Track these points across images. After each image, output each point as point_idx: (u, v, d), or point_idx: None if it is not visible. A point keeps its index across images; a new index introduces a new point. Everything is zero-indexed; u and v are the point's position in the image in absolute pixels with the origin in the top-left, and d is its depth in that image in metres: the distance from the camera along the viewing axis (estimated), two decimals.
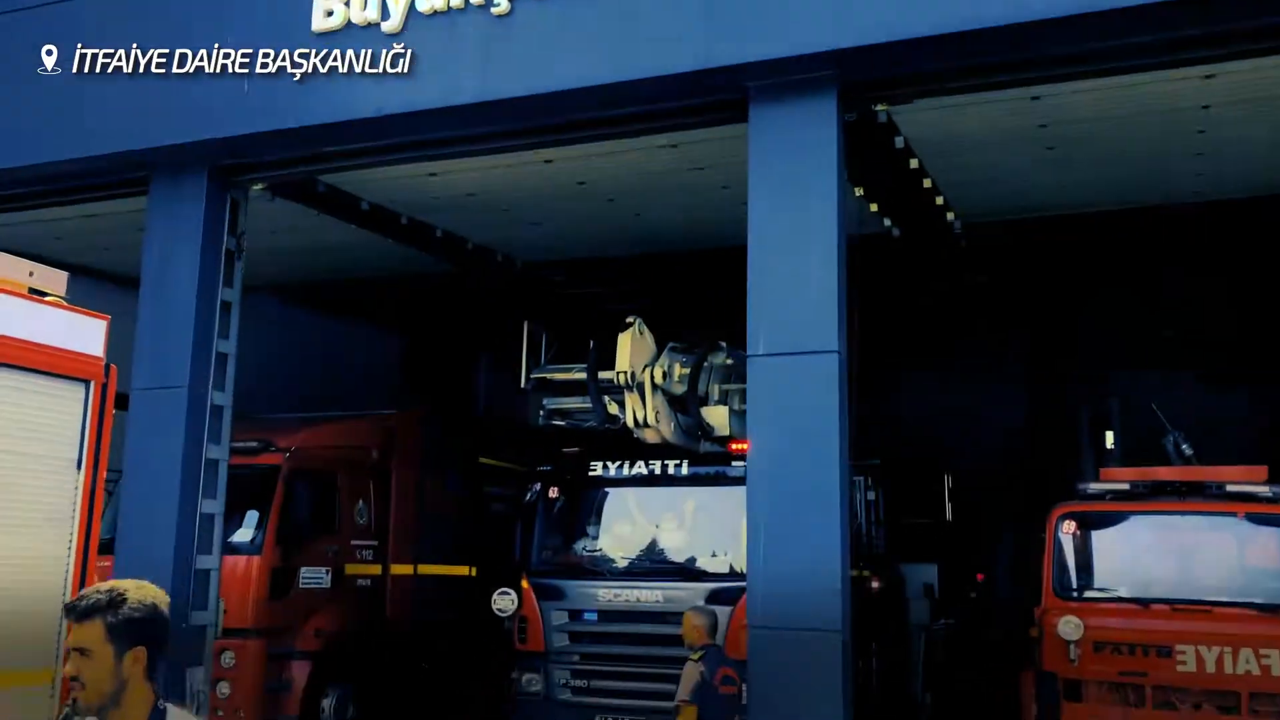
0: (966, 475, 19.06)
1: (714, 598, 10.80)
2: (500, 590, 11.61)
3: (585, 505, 12.01)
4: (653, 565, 11.34)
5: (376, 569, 14.58)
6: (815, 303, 8.77)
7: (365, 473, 14.67)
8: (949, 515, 17.27)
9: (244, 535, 13.30)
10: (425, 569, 15.17)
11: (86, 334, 7.68)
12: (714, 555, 11.25)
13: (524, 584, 11.58)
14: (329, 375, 16.21)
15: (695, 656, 7.81)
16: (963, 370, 24.77)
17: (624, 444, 12.03)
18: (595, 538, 11.93)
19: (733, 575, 10.92)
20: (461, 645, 15.72)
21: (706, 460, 11.41)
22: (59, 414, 7.56)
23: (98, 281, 15.17)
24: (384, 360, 20.20)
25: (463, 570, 15.87)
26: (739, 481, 11.15)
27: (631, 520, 11.82)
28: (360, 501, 14.47)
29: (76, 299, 8.33)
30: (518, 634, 11.56)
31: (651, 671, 10.99)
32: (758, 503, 8.60)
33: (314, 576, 13.68)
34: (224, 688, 12.80)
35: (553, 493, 11.84)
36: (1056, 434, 24.80)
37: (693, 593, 10.91)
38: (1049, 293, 20.66)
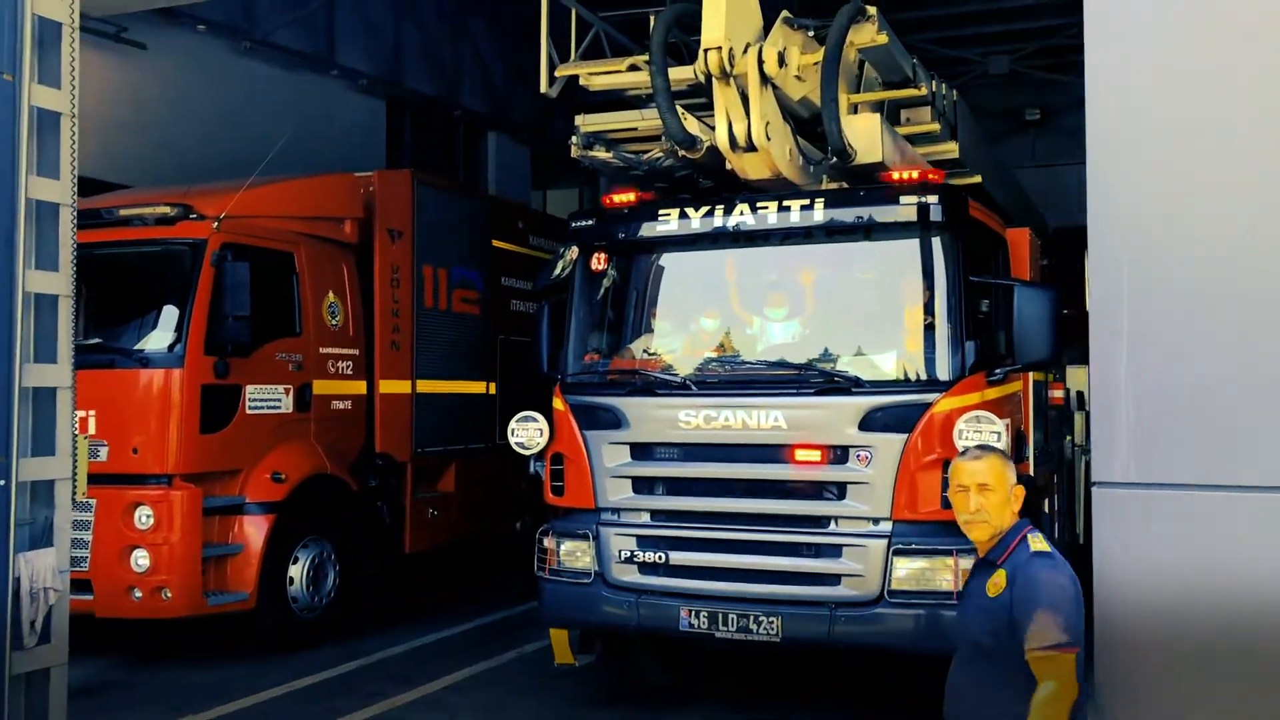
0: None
1: (870, 421, 6.03)
2: (521, 415, 6.85)
3: (651, 280, 7.30)
4: (765, 371, 6.58)
5: (360, 387, 10.13)
6: None
7: (337, 255, 9.99)
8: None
9: (157, 341, 8.82)
10: (427, 386, 10.80)
11: None
12: (865, 354, 6.44)
13: (558, 403, 6.81)
14: (293, 146, 11.18)
15: (1041, 547, 3.22)
16: None
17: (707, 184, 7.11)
18: (669, 331, 7.18)
19: (905, 385, 6.16)
20: (479, 486, 11.21)
21: (852, 201, 6.43)
22: None
23: None
24: (365, 127, 15.17)
25: (477, 387, 11.39)
26: (912, 230, 6.32)
27: (727, 300, 7.02)
28: (331, 295, 9.81)
29: None
30: (550, 481, 6.81)
31: (774, 540, 6.33)
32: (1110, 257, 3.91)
33: (267, 398, 9.14)
34: (140, 558, 8.46)
35: (598, 263, 7.04)
36: None
37: (834, 413, 6.26)
38: None
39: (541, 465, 7.20)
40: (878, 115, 7.10)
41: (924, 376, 6.39)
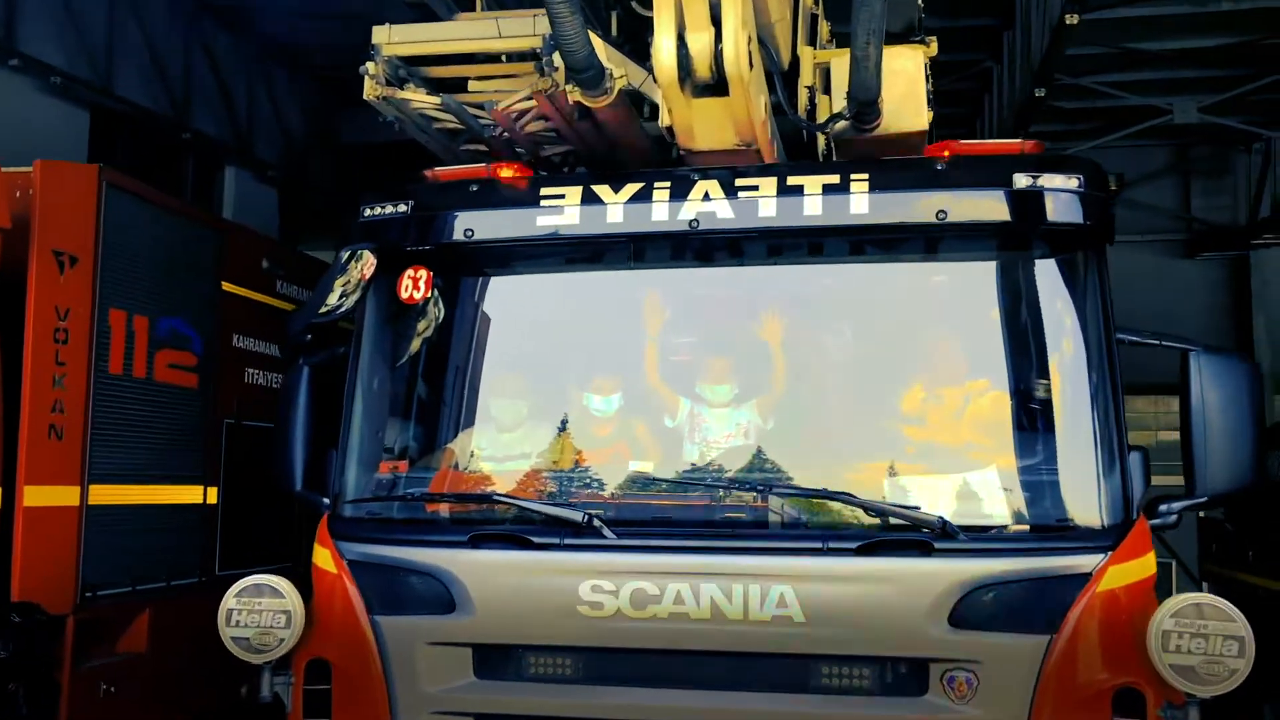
0: None
1: (973, 609, 2.56)
2: (247, 585, 2.98)
3: (516, 325, 3.53)
4: (755, 504, 2.98)
5: None
6: None
7: None
8: None
9: None
10: (107, 494, 6.75)
11: None
12: (935, 473, 3.00)
13: (323, 558, 3.02)
14: None
15: None
16: None
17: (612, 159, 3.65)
18: (551, 420, 3.47)
19: (1034, 537, 2.78)
20: (187, 640, 7.18)
21: (923, 179, 3.07)
22: None
23: None
24: (61, 140, 10.90)
25: (189, 494, 7.41)
26: (1031, 238, 3.03)
27: (666, 366, 3.44)
28: None
29: None
30: (304, 716, 2.98)
31: None
32: None
33: None
34: None
35: (412, 287, 3.31)
36: None
37: (899, 592, 2.66)
38: None
39: (286, 683, 3.40)
40: (920, 51, 3.87)
41: (1063, 520, 3.10)
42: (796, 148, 4.38)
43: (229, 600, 3.40)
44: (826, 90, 4.35)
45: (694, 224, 3.36)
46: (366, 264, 3.50)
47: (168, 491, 7.32)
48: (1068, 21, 9.53)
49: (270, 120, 13.58)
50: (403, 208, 3.61)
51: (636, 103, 4.08)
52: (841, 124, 3.68)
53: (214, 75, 12.72)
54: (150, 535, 7.09)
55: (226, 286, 7.91)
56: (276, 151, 13.57)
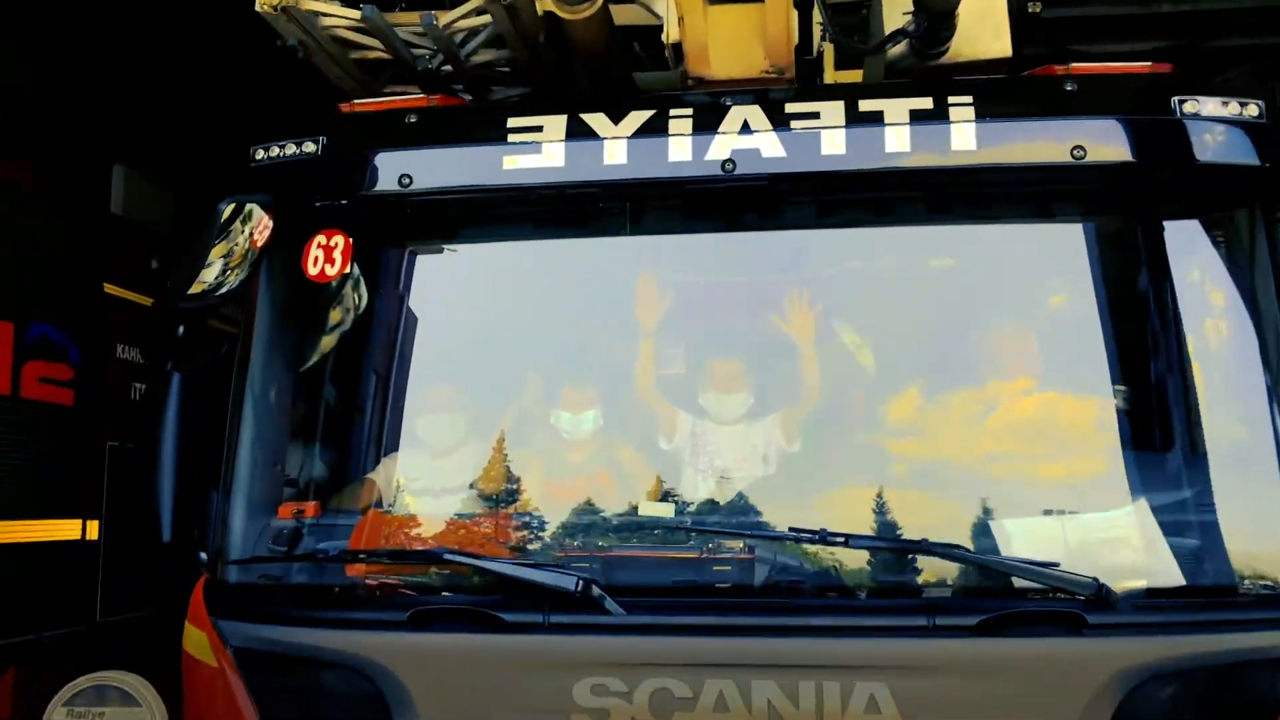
0: None
1: (1146, 703, 1.54)
2: (81, 687, 1.82)
3: (460, 311, 2.53)
4: (826, 560, 2.02)
5: None
6: None
7: None
8: None
9: None
10: None
11: None
12: (1065, 510, 2.01)
13: (196, 644, 1.88)
14: None
15: None
16: None
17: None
18: (516, 447, 2.38)
19: (1229, 601, 1.80)
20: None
21: (1053, 101, 2.06)
22: None
23: None
24: None
25: (64, 529, 6.27)
26: (1195, 189, 2.03)
27: (678, 363, 2.41)
28: None
29: None
30: None
31: None
32: None
33: None
34: None
35: (322, 258, 2.20)
36: None
37: (1040, 684, 1.68)
38: None
39: None
40: None
41: (1260, 579, 2.14)
42: None
43: (56, 711, 2.27)
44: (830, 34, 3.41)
45: (728, 166, 2.30)
46: (258, 226, 2.36)
47: (38, 527, 6.17)
48: (1030, 10, 8.89)
49: (167, 105, 12.37)
50: (310, 146, 2.47)
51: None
52: (898, 48, 2.71)
53: (104, 57, 11.46)
54: (16, 579, 5.92)
55: (110, 289, 6.77)
56: (175, 139, 12.36)
